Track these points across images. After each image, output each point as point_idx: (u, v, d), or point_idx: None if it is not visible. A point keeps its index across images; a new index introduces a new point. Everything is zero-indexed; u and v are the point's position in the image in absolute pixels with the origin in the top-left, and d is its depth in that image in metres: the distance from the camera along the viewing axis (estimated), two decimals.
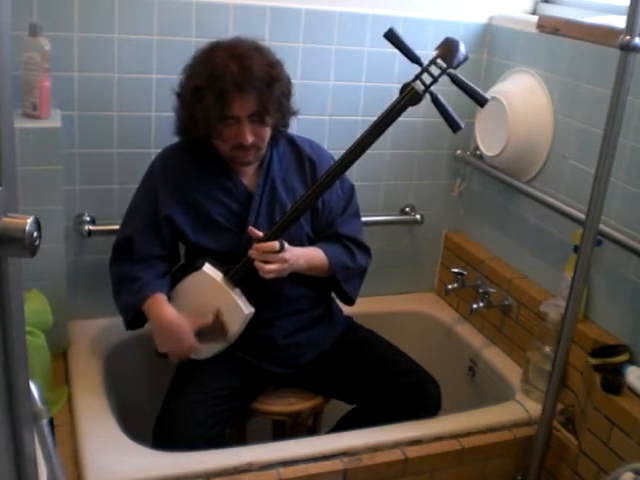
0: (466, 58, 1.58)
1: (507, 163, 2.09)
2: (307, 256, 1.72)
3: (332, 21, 2.05)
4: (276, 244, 1.60)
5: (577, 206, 1.87)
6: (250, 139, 1.62)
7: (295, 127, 1.93)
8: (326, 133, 2.12)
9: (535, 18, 2.06)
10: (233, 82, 1.56)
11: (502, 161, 2.08)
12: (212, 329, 1.67)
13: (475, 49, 2.23)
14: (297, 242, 1.75)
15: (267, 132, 1.67)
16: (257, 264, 1.61)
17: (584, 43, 1.86)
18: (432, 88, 1.57)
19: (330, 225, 1.81)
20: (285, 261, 1.62)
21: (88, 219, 1.96)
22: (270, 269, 1.61)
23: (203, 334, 1.67)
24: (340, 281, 1.79)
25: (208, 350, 1.71)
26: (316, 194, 1.63)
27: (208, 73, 1.58)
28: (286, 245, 1.63)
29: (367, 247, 1.87)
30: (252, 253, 1.61)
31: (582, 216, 1.65)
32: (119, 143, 1.94)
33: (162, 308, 1.65)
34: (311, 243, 1.80)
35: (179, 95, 1.69)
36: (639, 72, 1.53)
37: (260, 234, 1.61)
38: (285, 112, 1.70)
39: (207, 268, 1.66)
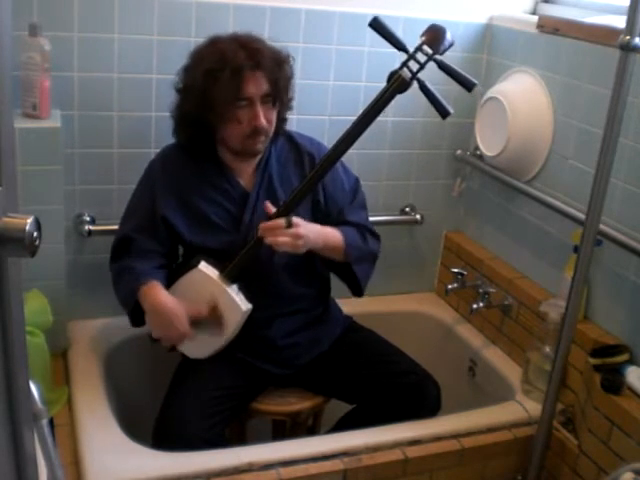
0: (452, 44, 1.58)
1: (507, 163, 2.09)
2: (324, 233, 1.70)
3: (332, 21, 2.05)
4: (282, 221, 1.58)
5: (577, 206, 1.87)
6: (264, 121, 1.63)
7: (295, 127, 1.93)
8: (326, 133, 2.12)
9: (535, 18, 2.06)
10: (246, 60, 1.58)
11: (502, 161, 2.08)
12: (207, 321, 1.66)
13: (475, 49, 2.23)
14: None
15: (275, 117, 1.68)
16: (268, 240, 1.59)
17: (584, 43, 1.86)
18: (419, 75, 1.57)
19: (337, 215, 1.80)
20: (298, 236, 1.60)
21: (88, 219, 1.96)
22: (283, 241, 1.59)
23: (199, 325, 1.66)
24: (352, 262, 1.76)
25: (207, 349, 1.70)
26: (317, 178, 1.63)
27: (218, 58, 1.59)
28: (298, 220, 1.61)
29: (377, 234, 1.86)
30: (260, 232, 1.60)
31: (582, 216, 1.65)
32: (119, 143, 1.94)
33: (158, 293, 1.64)
34: None
35: (184, 88, 1.67)
36: (639, 72, 1.53)
37: (272, 209, 1.61)
38: (291, 99, 1.72)
39: (203, 266, 1.66)
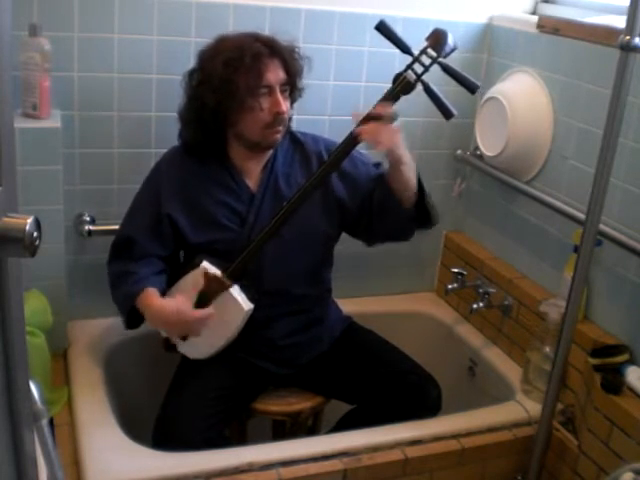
0: (454, 48, 1.61)
1: (507, 163, 2.09)
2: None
3: (332, 21, 2.05)
4: (390, 110, 1.54)
5: (577, 206, 1.87)
6: (285, 108, 1.63)
7: (295, 127, 1.93)
8: (326, 133, 2.11)
9: (535, 18, 2.06)
10: (263, 48, 1.60)
11: (502, 161, 2.08)
12: (209, 289, 1.65)
13: (475, 49, 2.23)
14: (310, 239, 1.75)
15: (289, 107, 1.69)
16: (369, 128, 1.54)
17: (584, 43, 1.86)
18: (423, 77, 1.58)
19: (369, 182, 1.76)
20: (398, 131, 1.56)
21: (88, 219, 1.96)
22: (383, 137, 1.54)
23: (206, 298, 1.65)
24: (425, 194, 1.72)
25: (207, 349, 1.70)
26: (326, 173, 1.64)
27: (235, 47, 1.60)
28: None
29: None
30: (359, 130, 1.54)
31: (582, 216, 1.65)
32: (119, 143, 1.94)
33: (151, 300, 1.63)
34: (329, 241, 1.81)
35: (200, 83, 1.64)
36: (639, 72, 1.53)
37: (360, 117, 1.57)
38: (301, 90, 1.73)
39: (205, 265, 1.66)
